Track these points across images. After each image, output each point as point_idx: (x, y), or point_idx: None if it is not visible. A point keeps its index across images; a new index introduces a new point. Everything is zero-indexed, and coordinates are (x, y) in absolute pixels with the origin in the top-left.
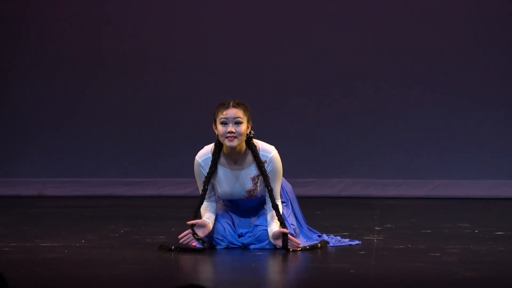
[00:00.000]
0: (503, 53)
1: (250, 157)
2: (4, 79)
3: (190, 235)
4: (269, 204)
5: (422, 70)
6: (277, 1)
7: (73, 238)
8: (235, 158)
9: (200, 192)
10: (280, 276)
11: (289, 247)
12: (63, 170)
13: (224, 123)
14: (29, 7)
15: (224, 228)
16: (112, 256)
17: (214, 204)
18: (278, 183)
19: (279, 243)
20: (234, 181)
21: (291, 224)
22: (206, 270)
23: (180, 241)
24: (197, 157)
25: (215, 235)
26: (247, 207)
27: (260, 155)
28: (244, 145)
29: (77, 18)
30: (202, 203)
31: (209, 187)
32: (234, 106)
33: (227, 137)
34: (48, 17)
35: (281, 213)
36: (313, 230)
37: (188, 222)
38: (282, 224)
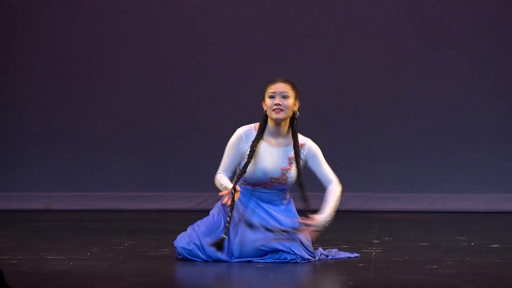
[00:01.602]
0: (500, 67)
1: (290, 138)
2: (8, 94)
3: (229, 196)
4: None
5: (421, 86)
6: (282, 20)
7: (78, 251)
8: (278, 135)
9: (225, 161)
10: None
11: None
12: (68, 185)
13: (271, 97)
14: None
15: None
16: (116, 268)
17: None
18: (325, 164)
19: (305, 231)
20: (272, 157)
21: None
22: (208, 282)
23: (224, 201)
24: (240, 128)
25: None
26: (266, 200)
27: (299, 139)
28: (287, 123)
29: (85, 31)
30: (244, 172)
31: (233, 165)
32: (282, 81)
33: (273, 110)
34: (57, 34)
35: (334, 203)
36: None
37: (236, 187)
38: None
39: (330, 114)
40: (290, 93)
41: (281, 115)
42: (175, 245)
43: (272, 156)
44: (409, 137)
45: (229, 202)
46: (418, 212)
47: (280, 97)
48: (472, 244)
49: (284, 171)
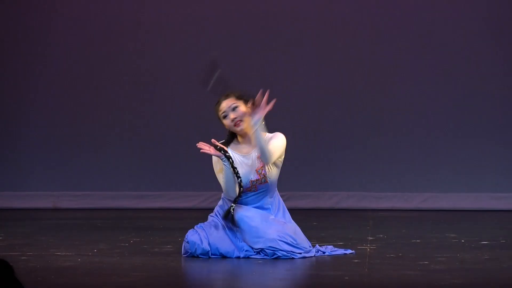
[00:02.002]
0: (490, 70)
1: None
2: (17, 95)
3: (208, 147)
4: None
5: (413, 88)
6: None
7: (85, 248)
8: (248, 142)
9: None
10: (278, 283)
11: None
12: (76, 184)
13: (225, 117)
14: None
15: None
16: (122, 264)
17: None
18: (276, 142)
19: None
20: (247, 165)
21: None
22: (209, 277)
23: (200, 149)
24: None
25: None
26: (253, 202)
27: (267, 135)
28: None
29: (87, 32)
30: (241, 182)
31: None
32: (224, 99)
33: (235, 125)
34: (65, 36)
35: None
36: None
37: (214, 141)
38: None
39: (324, 115)
40: (237, 102)
41: (242, 125)
42: (188, 239)
43: (246, 164)
44: (401, 139)
45: (212, 150)
46: (410, 211)
47: (231, 111)
48: (462, 241)
49: (259, 170)
